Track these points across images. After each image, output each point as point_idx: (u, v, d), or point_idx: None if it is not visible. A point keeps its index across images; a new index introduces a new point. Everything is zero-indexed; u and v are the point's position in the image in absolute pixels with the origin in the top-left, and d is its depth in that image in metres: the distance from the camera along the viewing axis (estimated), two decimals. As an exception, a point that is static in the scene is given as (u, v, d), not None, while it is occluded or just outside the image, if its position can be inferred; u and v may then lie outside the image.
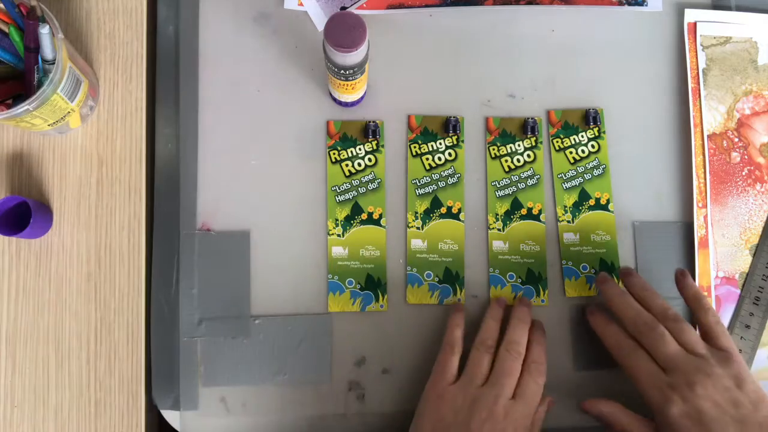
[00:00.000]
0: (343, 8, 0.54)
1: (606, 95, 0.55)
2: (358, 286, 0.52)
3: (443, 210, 0.53)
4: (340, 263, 0.52)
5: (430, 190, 0.53)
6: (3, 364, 0.49)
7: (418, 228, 0.52)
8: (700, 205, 0.54)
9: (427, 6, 0.55)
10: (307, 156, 0.53)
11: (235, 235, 0.52)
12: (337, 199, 0.52)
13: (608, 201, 0.53)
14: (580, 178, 0.53)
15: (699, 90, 0.55)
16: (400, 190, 0.53)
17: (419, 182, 0.53)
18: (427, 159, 0.53)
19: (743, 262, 0.54)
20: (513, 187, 0.53)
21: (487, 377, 0.47)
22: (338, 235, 0.52)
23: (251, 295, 0.51)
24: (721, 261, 0.54)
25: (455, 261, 0.52)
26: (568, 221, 0.52)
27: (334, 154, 0.53)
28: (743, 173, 0.55)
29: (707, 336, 0.47)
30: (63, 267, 0.50)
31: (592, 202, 0.53)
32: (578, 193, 0.53)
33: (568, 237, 0.52)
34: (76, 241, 0.50)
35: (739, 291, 0.53)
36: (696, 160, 0.54)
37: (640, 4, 0.56)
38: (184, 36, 0.54)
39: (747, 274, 0.54)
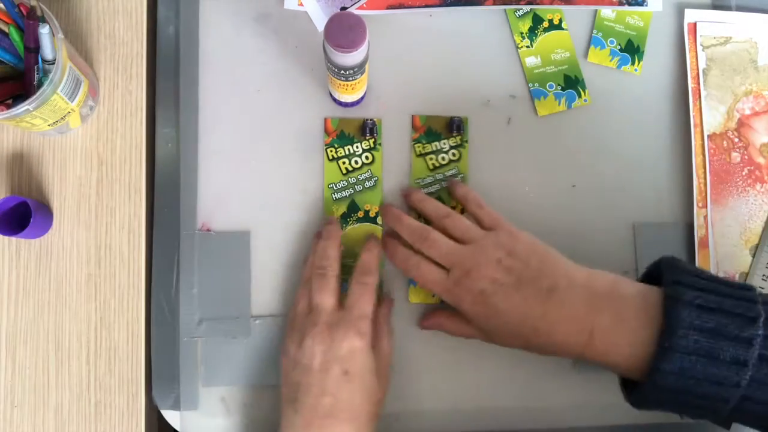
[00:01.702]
0: (343, 8, 0.54)
1: (606, 95, 0.55)
2: (559, 87, 0.52)
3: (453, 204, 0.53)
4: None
5: (434, 190, 0.53)
6: (3, 364, 0.49)
7: (527, 46, 0.52)
8: (700, 205, 0.54)
9: (427, 6, 0.55)
10: (307, 156, 0.53)
11: (235, 235, 0.52)
12: (333, 196, 0.52)
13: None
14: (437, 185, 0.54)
15: (699, 90, 0.55)
16: (398, 188, 0.53)
17: (422, 182, 0.53)
18: (431, 159, 0.53)
19: (743, 262, 0.54)
20: (351, 190, 0.53)
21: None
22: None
23: (251, 295, 0.51)
24: (721, 261, 0.54)
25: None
26: None
27: (331, 151, 0.53)
28: (743, 173, 0.55)
29: (478, 224, 0.49)
30: (63, 267, 0.50)
31: None
32: None
33: None
34: (76, 241, 0.50)
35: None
36: (696, 160, 0.54)
37: (640, 4, 0.56)
38: (184, 36, 0.54)
39: (747, 274, 0.54)
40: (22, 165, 0.51)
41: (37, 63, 0.44)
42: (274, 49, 0.54)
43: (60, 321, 0.50)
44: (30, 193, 0.51)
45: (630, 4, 0.56)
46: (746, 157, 0.55)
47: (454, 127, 0.53)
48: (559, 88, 0.54)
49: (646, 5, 0.56)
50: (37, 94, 0.43)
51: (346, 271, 0.50)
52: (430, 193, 0.53)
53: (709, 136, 0.55)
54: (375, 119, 0.53)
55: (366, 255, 0.49)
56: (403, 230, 0.49)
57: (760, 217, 0.55)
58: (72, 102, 0.47)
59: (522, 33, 0.55)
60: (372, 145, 0.53)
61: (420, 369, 0.51)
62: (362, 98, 0.53)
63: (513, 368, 0.52)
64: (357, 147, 0.53)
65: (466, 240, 0.47)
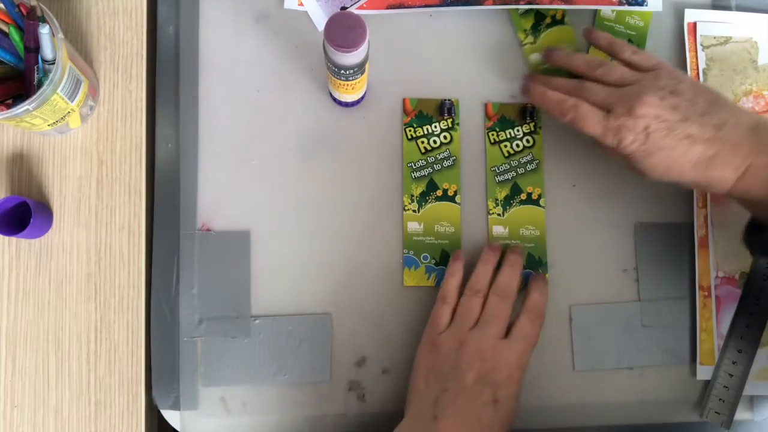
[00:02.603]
0: (343, 8, 0.54)
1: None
2: (433, 261, 0.52)
3: (439, 193, 0.53)
4: (415, 238, 0.52)
5: (426, 173, 0.53)
6: (3, 364, 0.49)
7: (414, 211, 0.52)
8: (700, 204, 0.54)
9: (427, 6, 0.55)
10: (307, 156, 0.53)
11: (235, 235, 0.52)
12: (413, 175, 0.53)
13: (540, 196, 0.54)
14: (513, 172, 0.54)
15: (699, 90, 0.55)
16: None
17: (415, 165, 0.53)
18: (423, 142, 0.53)
19: (743, 262, 0.54)
20: (512, 173, 0.53)
21: (477, 321, 0.48)
22: (414, 211, 0.52)
23: (251, 295, 0.51)
24: (721, 261, 0.54)
25: (451, 243, 0.53)
26: (498, 214, 0.53)
27: (410, 131, 0.53)
28: (743, 173, 0.55)
29: (633, 67, 0.49)
30: (63, 267, 0.50)
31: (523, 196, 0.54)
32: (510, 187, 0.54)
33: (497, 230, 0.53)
34: (76, 241, 0.50)
35: (739, 291, 0.53)
36: (696, 160, 0.54)
37: (640, 4, 0.56)
38: (184, 36, 0.54)
39: (748, 274, 0.54)
40: (22, 165, 0.51)
41: (37, 63, 0.45)
42: (274, 49, 0.54)
43: (60, 321, 0.50)
44: (30, 193, 0.51)
45: (630, 4, 0.56)
46: (746, 156, 0.55)
47: (445, 110, 0.54)
48: None
49: (646, 5, 0.56)
50: (37, 94, 0.43)
51: (429, 249, 0.52)
52: (422, 177, 0.53)
53: (709, 135, 0.55)
54: (453, 99, 0.54)
55: (537, 296, 0.50)
56: (557, 82, 0.50)
57: (761, 216, 0.55)
58: (72, 102, 0.47)
59: (525, 30, 0.55)
60: (450, 125, 0.54)
61: (420, 369, 0.51)
62: (362, 98, 0.53)
63: None
64: (435, 127, 0.53)
65: (626, 83, 0.47)
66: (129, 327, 0.50)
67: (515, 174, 0.54)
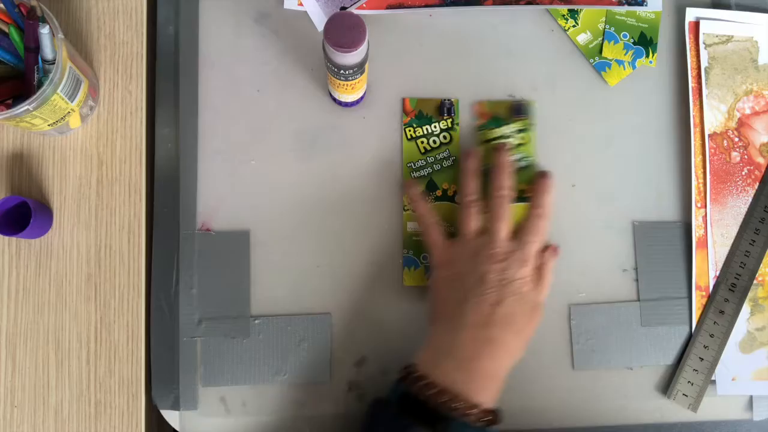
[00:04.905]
0: (343, 8, 0.54)
1: (605, 94, 0.55)
2: None
3: (438, 193, 0.53)
4: (415, 238, 0.52)
5: (426, 173, 0.53)
6: (3, 364, 0.49)
7: (413, 211, 0.53)
8: (699, 204, 0.54)
9: (427, 6, 0.55)
10: (307, 156, 0.53)
11: (235, 235, 0.52)
12: (412, 175, 0.53)
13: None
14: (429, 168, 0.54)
15: (699, 89, 0.55)
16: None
17: (414, 165, 0.53)
18: (422, 142, 0.53)
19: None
20: (428, 168, 0.54)
21: (480, 229, 0.50)
22: (413, 211, 0.52)
23: (251, 295, 0.51)
24: (719, 261, 0.54)
25: None
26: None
27: (409, 131, 0.53)
28: (743, 173, 0.55)
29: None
30: (63, 267, 0.50)
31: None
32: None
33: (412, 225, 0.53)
34: (76, 241, 0.50)
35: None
36: (695, 160, 0.54)
37: (640, 4, 0.56)
38: (184, 36, 0.54)
39: (725, 260, 0.54)
40: (22, 165, 0.51)
41: (37, 63, 0.45)
42: (274, 49, 0.54)
43: (60, 321, 0.50)
44: (30, 193, 0.51)
45: (630, 4, 0.56)
46: (746, 156, 0.55)
47: (445, 110, 0.54)
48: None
49: (646, 5, 0.56)
50: (37, 94, 0.43)
51: (415, 245, 0.52)
52: (421, 176, 0.53)
53: (709, 135, 0.55)
54: (453, 99, 0.54)
55: (544, 196, 0.51)
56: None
57: (761, 216, 0.55)
58: (72, 102, 0.47)
59: (564, 15, 0.55)
60: (450, 125, 0.54)
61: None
62: (362, 98, 0.53)
63: (512, 368, 0.52)
64: (435, 127, 0.53)
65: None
66: (129, 327, 0.50)
67: (431, 170, 0.53)
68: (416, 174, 0.53)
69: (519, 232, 0.49)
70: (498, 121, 0.54)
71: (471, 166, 0.52)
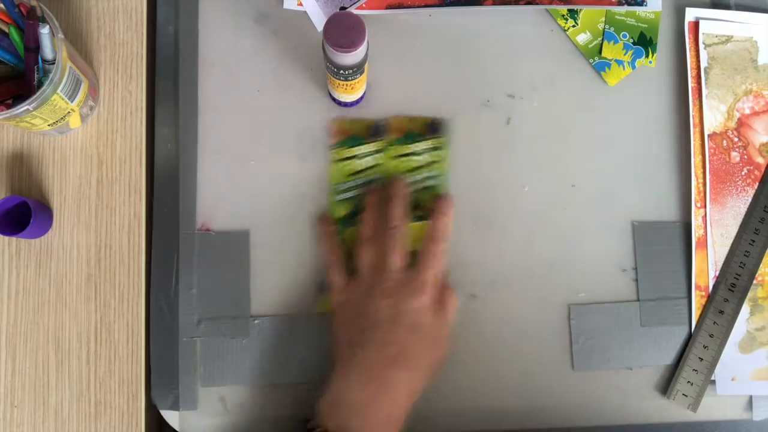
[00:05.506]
0: (343, 8, 0.54)
1: (605, 94, 0.55)
2: None
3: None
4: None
5: (353, 196, 0.52)
6: (3, 364, 0.49)
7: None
8: (698, 205, 0.54)
9: (426, 6, 0.55)
10: (307, 156, 0.53)
11: (235, 235, 0.52)
12: (338, 198, 0.52)
13: None
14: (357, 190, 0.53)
15: (699, 89, 0.55)
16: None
17: (342, 187, 0.52)
18: (347, 165, 0.52)
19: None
20: (356, 190, 0.52)
21: (375, 265, 0.48)
22: (337, 234, 0.52)
23: (250, 295, 0.51)
24: (719, 261, 0.54)
25: None
26: None
27: (336, 153, 0.53)
28: (743, 173, 0.55)
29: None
30: (63, 267, 0.50)
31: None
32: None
33: None
34: (76, 241, 0.51)
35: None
36: (695, 160, 0.54)
37: (640, 4, 0.56)
38: (184, 36, 0.54)
39: (724, 260, 0.54)
40: (22, 165, 0.51)
41: (37, 63, 0.45)
42: (273, 49, 0.54)
43: (60, 321, 0.50)
44: (30, 193, 0.51)
45: (629, 4, 0.56)
46: (746, 156, 0.55)
47: (436, 127, 0.53)
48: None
49: (646, 5, 0.56)
50: (37, 94, 0.43)
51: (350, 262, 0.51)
52: (347, 199, 0.52)
53: (709, 135, 0.55)
54: (385, 120, 0.53)
55: (440, 219, 0.50)
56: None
57: (760, 216, 0.55)
58: (72, 102, 0.47)
59: (563, 15, 0.55)
60: (382, 147, 0.53)
61: (419, 369, 0.51)
62: (362, 98, 0.53)
63: (512, 368, 0.52)
64: (364, 149, 0.53)
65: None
66: (129, 327, 0.50)
67: (359, 193, 0.52)
68: (342, 197, 0.52)
69: (416, 259, 0.48)
70: (356, 140, 0.52)
71: (369, 200, 0.51)
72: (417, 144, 0.53)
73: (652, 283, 0.53)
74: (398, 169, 0.53)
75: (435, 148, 0.53)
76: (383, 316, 0.45)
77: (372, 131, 0.53)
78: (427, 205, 0.52)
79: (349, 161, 0.53)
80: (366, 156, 0.53)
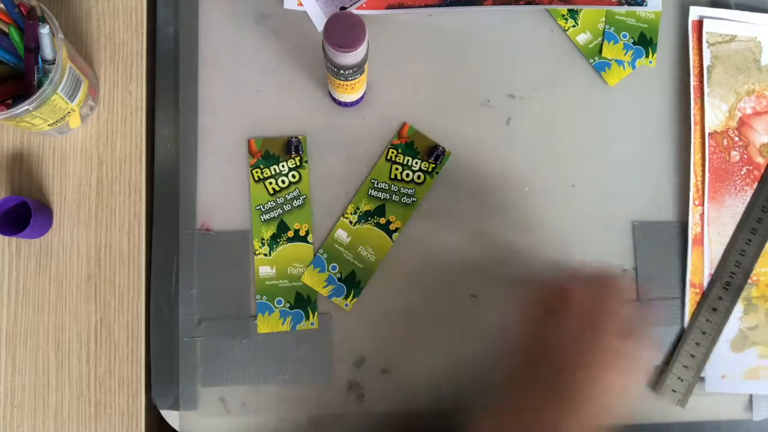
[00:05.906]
0: (343, 8, 0.54)
1: (605, 94, 0.55)
2: (288, 305, 0.51)
3: (290, 234, 0.52)
4: (268, 283, 0.51)
5: (276, 215, 0.52)
6: (3, 364, 0.49)
7: (265, 255, 0.51)
8: (696, 203, 0.54)
9: (426, 6, 0.55)
10: (307, 155, 0.53)
11: (235, 235, 0.52)
12: (262, 218, 0.52)
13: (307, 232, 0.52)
14: (279, 209, 0.52)
15: (701, 88, 0.55)
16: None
17: (264, 207, 0.52)
18: (270, 183, 0.52)
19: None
20: (279, 210, 0.52)
21: None
22: (265, 255, 0.51)
23: (251, 295, 0.51)
24: (715, 259, 0.54)
25: (305, 285, 0.51)
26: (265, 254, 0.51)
27: (257, 172, 0.52)
28: (742, 172, 0.55)
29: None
30: (63, 267, 0.50)
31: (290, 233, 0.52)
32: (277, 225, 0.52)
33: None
34: (76, 241, 0.51)
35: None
36: (694, 157, 0.54)
37: (640, 4, 0.56)
38: (184, 36, 0.54)
39: (720, 259, 0.54)
40: (22, 165, 0.51)
41: (37, 63, 0.45)
42: (273, 49, 0.54)
43: (60, 321, 0.50)
44: (30, 193, 0.51)
45: (630, 4, 0.56)
46: (746, 156, 0.55)
47: (293, 147, 0.52)
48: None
49: (646, 5, 0.56)
50: (37, 94, 0.43)
51: (283, 293, 0.50)
52: (272, 218, 0.51)
53: (709, 133, 0.55)
54: (300, 137, 0.53)
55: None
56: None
57: (761, 216, 0.55)
58: (72, 102, 0.47)
59: (563, 15, 0.55)
60: (298, 163, 0.52)
61: (416, 370, 0.51)
62: (362, 98, 0.53)
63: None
64: (283, 166, 0.52)
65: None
66: (129, 327, 0.50)
67: (281, 211, 0.52)
68: (266, 216, 0.52)
69: None
70: (274, 158, 0.52)
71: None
72: (281, 165, 0.52)
73: (653, 283, 0.53)
74: (260, 192, 0.51)
75: (296, 167, 0.52)
76: None
77: (287, 149, 0.52)
78: (296, 226, 0.51)
79: (269, 180, 0.52)
80: (284, 174, 0.52)
